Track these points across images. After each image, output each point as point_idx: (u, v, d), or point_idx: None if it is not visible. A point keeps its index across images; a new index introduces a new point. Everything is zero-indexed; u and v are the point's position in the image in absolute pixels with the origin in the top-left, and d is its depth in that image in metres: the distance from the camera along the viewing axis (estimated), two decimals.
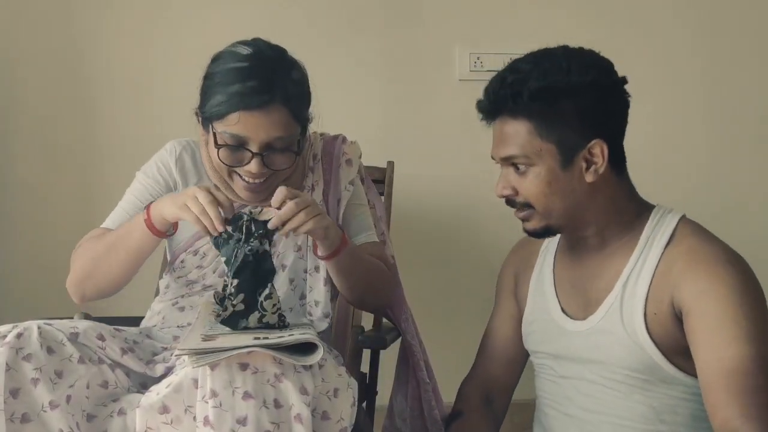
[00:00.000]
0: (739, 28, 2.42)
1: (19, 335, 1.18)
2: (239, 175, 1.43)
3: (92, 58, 2.24)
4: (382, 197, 1.87)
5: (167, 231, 1.39)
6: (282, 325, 1.29)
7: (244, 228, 1.27)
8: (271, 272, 1.29)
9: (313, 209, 1.31)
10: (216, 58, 1.44)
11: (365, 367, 1.73)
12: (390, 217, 1.90)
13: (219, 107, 1.38)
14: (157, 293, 1.64)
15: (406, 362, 1.72)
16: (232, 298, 1.25)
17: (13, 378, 1.15)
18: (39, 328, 1.21)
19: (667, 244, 1.32)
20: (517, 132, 1.31)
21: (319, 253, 1.40)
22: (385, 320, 1.79)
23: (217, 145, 1.39)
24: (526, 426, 1.55)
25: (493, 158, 1.38)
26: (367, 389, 1.71)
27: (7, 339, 1.17)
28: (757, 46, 2.42)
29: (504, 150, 1.33)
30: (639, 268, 1.33)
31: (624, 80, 1.34)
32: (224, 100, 1.37)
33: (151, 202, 1.39)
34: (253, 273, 1.26)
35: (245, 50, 1.41)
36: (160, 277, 1.67)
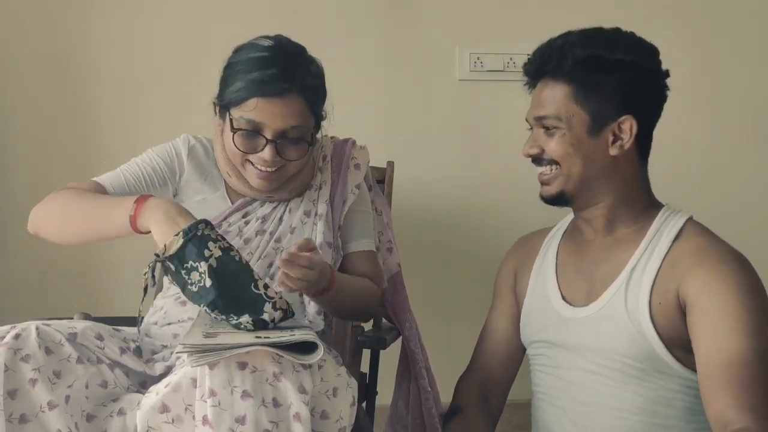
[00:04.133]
0: (733, 28, 2.41)
1: (17, 336, 1.18)
2: (252, 163, 1.46)
3: (85, 58, 2.24)
4: None
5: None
6: (289, 312, 1.28)
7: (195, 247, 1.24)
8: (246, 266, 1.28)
9: (308, 282, 1.32)
10: (238, 49, 1.48)
11: (365, 367, 1.72)
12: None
13: (238, 93, 1.42)
14: (159, 290, 1.64)
15: (408, 369, 1.72)
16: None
17: (12, 379, 1.15)
18: (37, 328, 1.21)
19: (675, 239, 1.35)
20: (555, 94, 1.36)
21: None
22: (384, 320, 1.78)
23: (233, 129, 1.43)
24: (524, 426, 1.55)
25: (527, 120, 1.42)
26: (367, 389, 1.71)
27: (5, 340, 1.17)
28: (751, 46, 2.41)
29: (538, 110, 1.38)
30: (647, 258, 1.35)
31: (666, 73, 1.40)
32: (243, 87, 1.41)
33: (144, 195, 1.35)
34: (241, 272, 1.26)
35: (267, 42, 1.45)
36: None
